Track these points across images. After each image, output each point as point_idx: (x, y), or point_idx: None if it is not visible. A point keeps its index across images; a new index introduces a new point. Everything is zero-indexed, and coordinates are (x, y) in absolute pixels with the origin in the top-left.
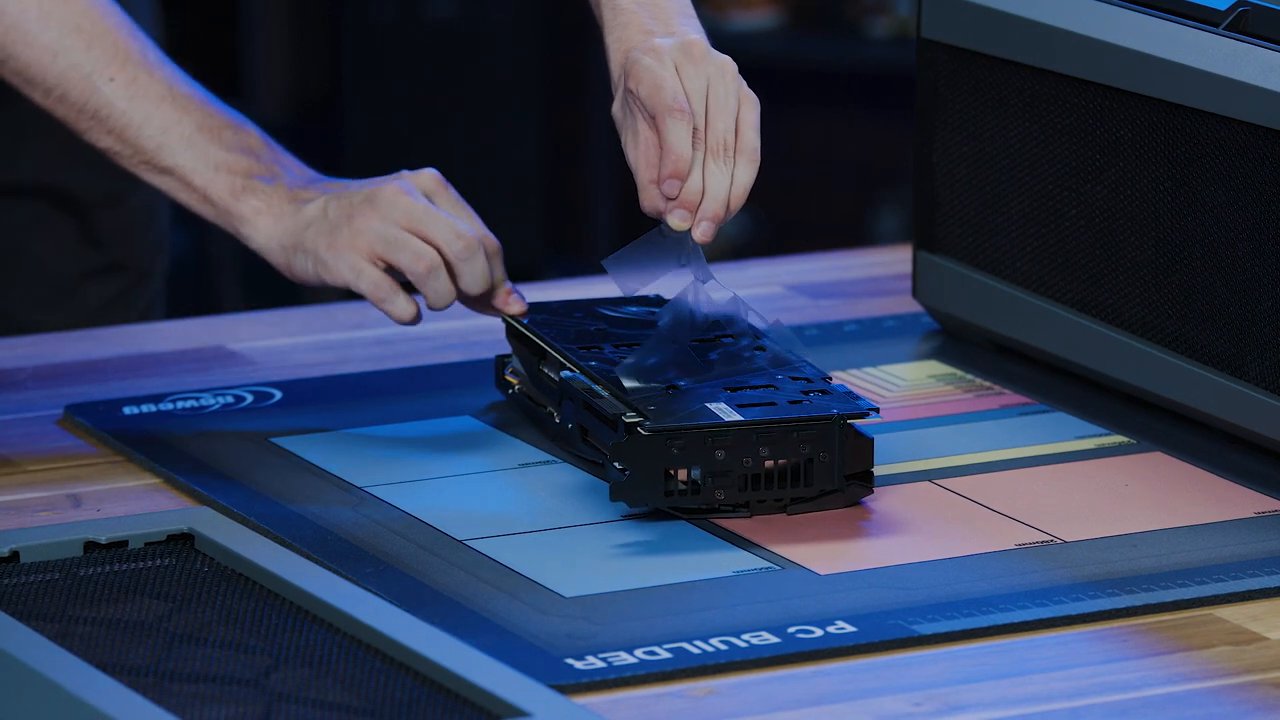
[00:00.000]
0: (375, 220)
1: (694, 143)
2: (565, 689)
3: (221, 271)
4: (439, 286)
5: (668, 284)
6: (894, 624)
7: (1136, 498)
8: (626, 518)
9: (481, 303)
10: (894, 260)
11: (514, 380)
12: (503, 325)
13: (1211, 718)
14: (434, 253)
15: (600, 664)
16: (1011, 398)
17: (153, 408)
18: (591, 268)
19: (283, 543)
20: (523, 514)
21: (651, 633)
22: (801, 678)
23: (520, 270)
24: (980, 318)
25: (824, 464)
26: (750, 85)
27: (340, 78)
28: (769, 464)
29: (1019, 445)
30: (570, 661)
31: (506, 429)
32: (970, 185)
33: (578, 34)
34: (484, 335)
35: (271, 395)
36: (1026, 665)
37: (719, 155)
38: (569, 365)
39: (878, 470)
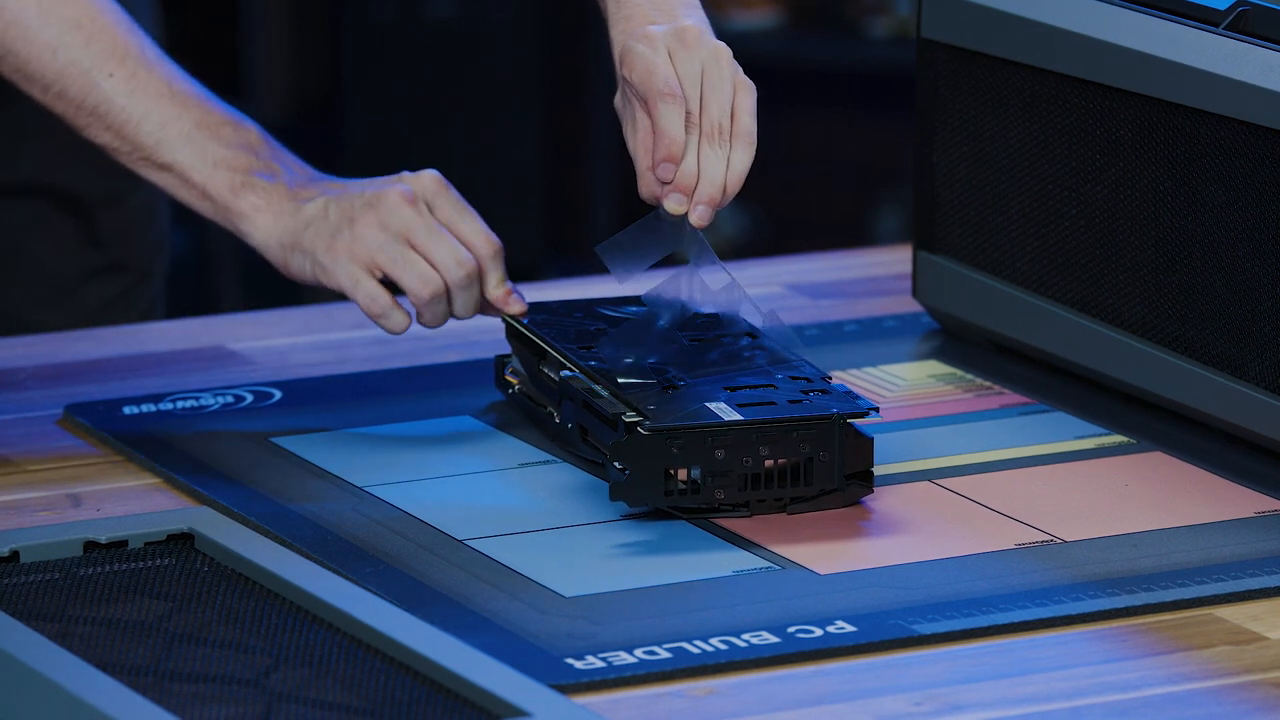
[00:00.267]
0: (377, 228)
1: (688, 127)
2: (565, 689)
3: (221, 271)
4: (438, 311)
5: (661, 273)
6: (894, 624)
7: (1136, 498)
8: (626, 517)
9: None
10: (894, 260)
11: (514, 380)
12: (502, 325)
13: (1211, 718)
14: (439, 279)
15: (600, 664)
16: (1011, 398)
17: (153, 407)
18: (591, 268)
19: (283, 542)
20: (522, 514)
21: (651, 632)
22: (801, 678)
23: (520, 270)
24: (980, 318)
25: (824, 463)
26: None
27: (340, 78)
28: (769, 463)
29: (1019, 445)
30: (570, 661)
31: (506, 429)
32: (970, 185)
33: (578, 34)
34: (484, 335)
35: (271, 395)
36: (1026, 665)
37: (714, 139)
38: (569, 365)
39: (877, 470)
